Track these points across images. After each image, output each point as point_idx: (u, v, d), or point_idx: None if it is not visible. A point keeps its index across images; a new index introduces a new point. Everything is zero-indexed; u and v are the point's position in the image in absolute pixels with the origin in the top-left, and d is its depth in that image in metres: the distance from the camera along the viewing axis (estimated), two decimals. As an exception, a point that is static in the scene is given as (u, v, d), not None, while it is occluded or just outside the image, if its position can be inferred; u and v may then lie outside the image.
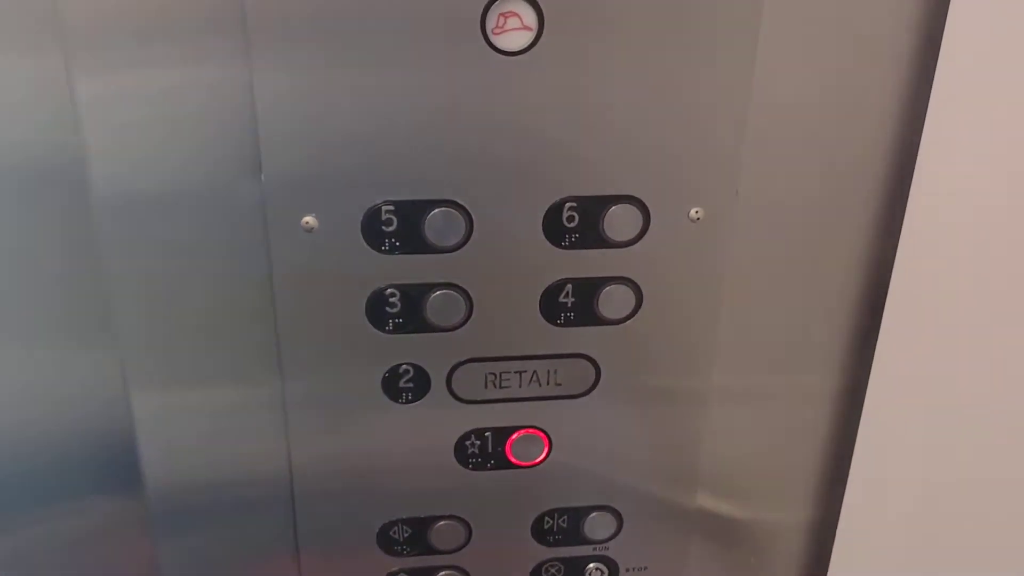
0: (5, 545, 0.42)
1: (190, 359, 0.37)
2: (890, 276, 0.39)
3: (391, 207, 0.34)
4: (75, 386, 0.39)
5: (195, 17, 0.31)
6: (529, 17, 0.32)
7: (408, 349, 0.37)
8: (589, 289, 0.37)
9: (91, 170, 0.33)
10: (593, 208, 0.35)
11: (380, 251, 0.35)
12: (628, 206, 0.35)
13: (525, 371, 0.38)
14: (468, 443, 0.40)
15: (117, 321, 0.36)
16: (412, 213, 0.35)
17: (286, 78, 0.32)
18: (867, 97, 0.36)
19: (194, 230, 0.35)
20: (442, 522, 0.41)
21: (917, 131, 0.36)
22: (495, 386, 0.39)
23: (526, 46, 0.32)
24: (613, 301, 0.37)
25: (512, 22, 0.32)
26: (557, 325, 0.37)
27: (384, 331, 0.37)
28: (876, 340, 0.41)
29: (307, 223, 0.34)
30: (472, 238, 0.35)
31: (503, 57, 0.32)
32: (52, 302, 0.37)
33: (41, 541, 0.42)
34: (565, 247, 0.36)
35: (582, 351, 0.38)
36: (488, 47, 0.32)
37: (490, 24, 0.32)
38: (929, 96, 0.36)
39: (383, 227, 0.35)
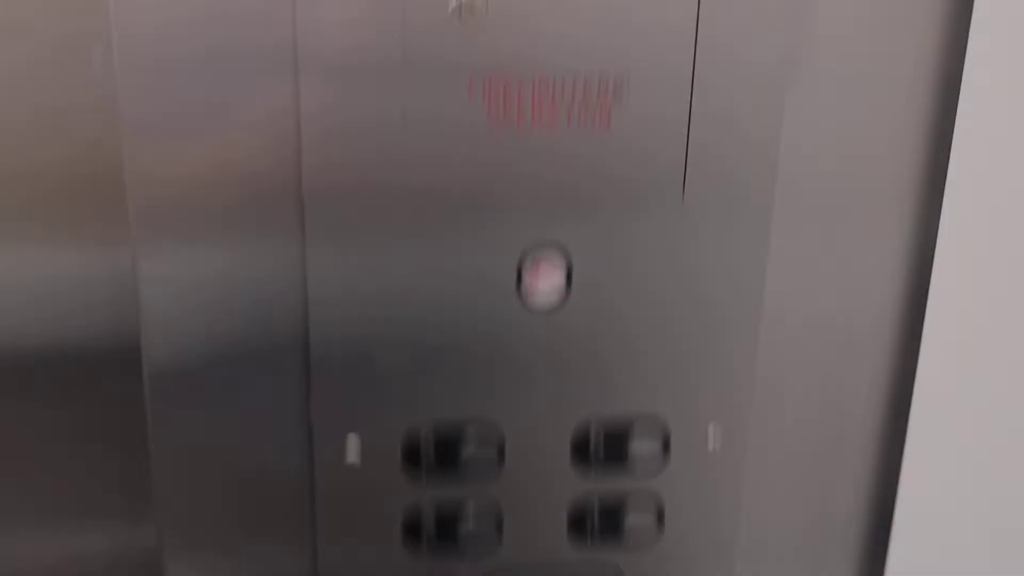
0: None
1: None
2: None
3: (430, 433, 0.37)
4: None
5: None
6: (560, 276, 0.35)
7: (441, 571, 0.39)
8: (614, 514, 0.39)
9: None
10: (618, 434, 0.38)
11: (417, 480, 0.37)
12: (651, 439, 0.38)
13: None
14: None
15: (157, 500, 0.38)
16: (447, 441, 0.37)
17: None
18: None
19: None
20: None
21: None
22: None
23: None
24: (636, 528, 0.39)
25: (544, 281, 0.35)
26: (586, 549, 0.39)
27: (417, 552, 0.38)
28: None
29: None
30: (504, 468, 0.37)
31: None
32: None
33: None
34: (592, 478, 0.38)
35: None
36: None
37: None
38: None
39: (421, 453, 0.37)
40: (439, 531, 0.38)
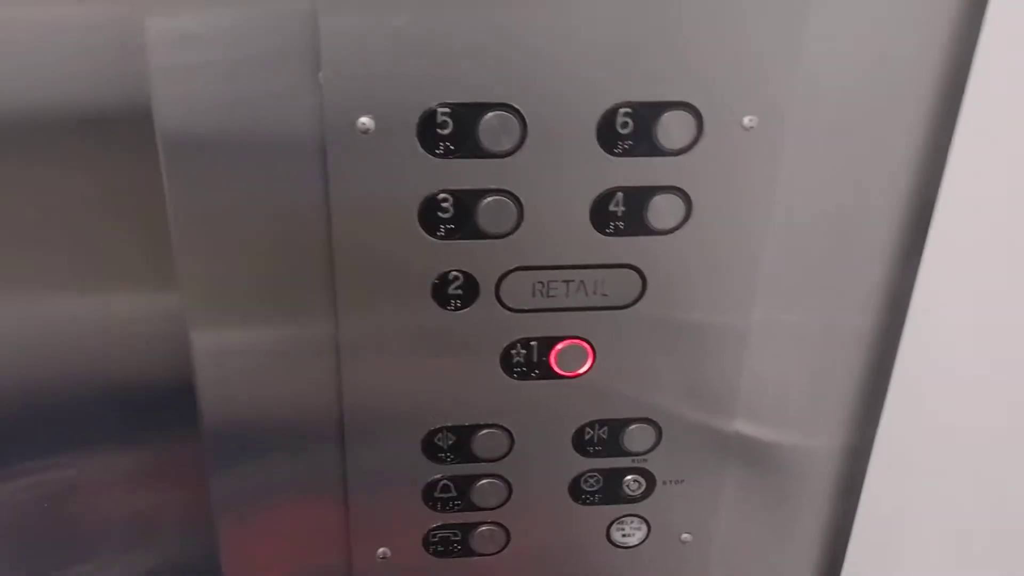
0: (63, 479, 0.43)
1: (244, 278, 0.38)
2: (935, 202, 0.39)
3: (446, 109, 0.34)
4: (137, 327, 0.40)
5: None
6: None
7: (459, 256, 0.38)
8: (639, 198, 0.37)
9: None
10: (647, 114, 0.35)
11: (434, 155, 0.35)
12: (682, 113, 0.35)
13: (572, 280, 0.39)
14: (514, 352, 0.40)
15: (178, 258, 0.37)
16: (467, 116, 0.35)
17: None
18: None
19: (251, 138, 0.35)
20: (485, 431, 0.42)
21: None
22: (542, 295, 0.39)
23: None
24: (662, 210, 0.37)
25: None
26: (606, 235, 0.38)
27: (436, 237, 0.37)
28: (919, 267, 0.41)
29: (363, 124, 0.34)
30: (526, 143, 0.35)
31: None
32: (118, 243, 0.38)
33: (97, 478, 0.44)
34: (618, 154, 0.36)
35: (629, 262, 0.39)
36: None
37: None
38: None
39: (438, 130, 0.35)
40: (457, 219, 0.37)
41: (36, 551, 0.45)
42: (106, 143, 0.36)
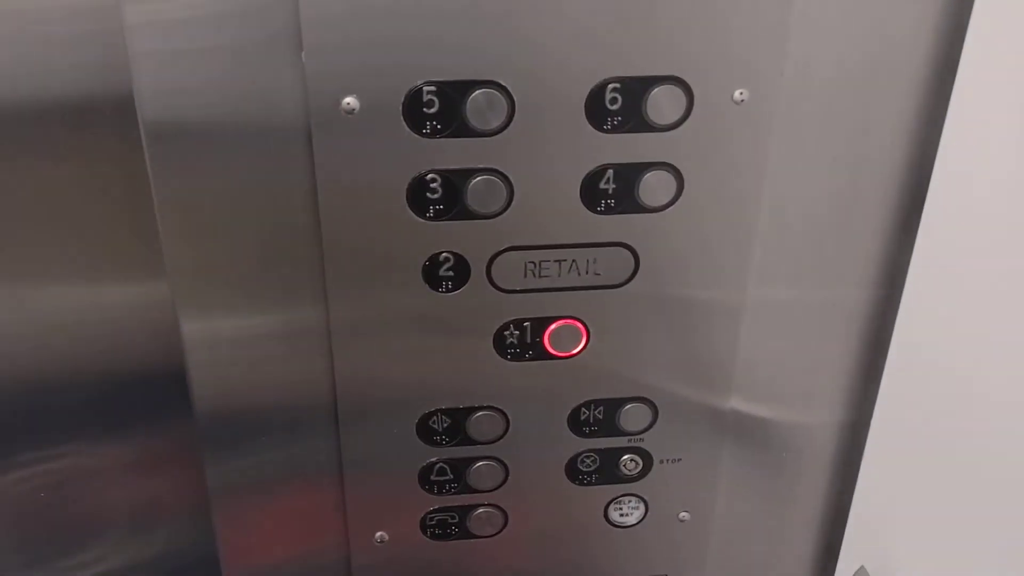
0: (59, 470, 0.43)
1: (232, 264, 0.38)
2: (930, 176, 0.39)
3: (432, 88, 0.34)
4: (126, 314, 0.39)
5: None
6: None
7: (448, 237, 0.37)
8: (630, 175, 0.37)
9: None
10: (636, 89, 0.35)
11: (421, 134, 0.35)
12: (671, 87, 0.35)
13: (564, 260, 0.38)
14: (507, 333, 0.40)
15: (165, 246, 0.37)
16: (453, 94, 0.34)
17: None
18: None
19: (235, 122, 0.35)
20: (480, 413, 0.42)
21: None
22: (534, 275, 0.39)
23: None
24: (654, 187, 0.37)
25: None
26: (597, 213, 0.37)
27: (425, 218, 0.37)
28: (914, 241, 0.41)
29: (348, 104, 0.34)
30: (514, 121, 0.35)
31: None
32: (102, 231, 0.37)
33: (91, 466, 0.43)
34: (607, 131, 0.36)
35: (622, 240, 0.38)
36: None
37: None
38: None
39: (424, 109, 0.34)
40: (446, 200, 0.36)
41: (35, 541, 0.45)
42: (90, 132, 0.35)
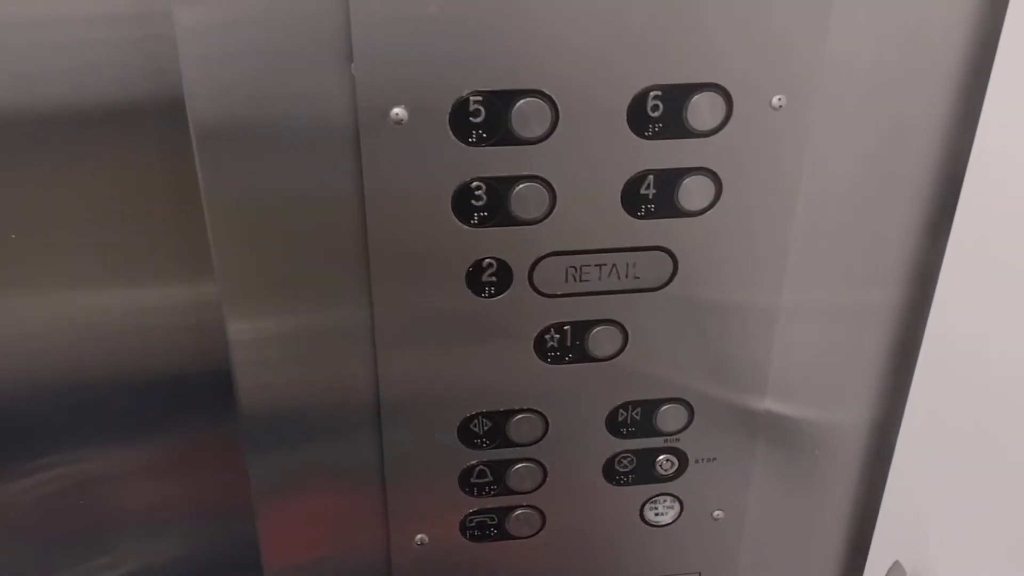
0: (102, 468, 0.44)
1: (279, 266, 0.38)
2: (963, 178, 0.39)
3: (479, 97, 0.35)
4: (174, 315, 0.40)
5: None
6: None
7: (492, 243, 0.38)
8: (670, 180, 0.37)
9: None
10: (677, 97, 0.36)
11: (467, 143, 0.36)
12: (711, 94, 0.36)
13: (604, 264, 0.39)
14: (548, 337, 0.41)
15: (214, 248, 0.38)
16: (499, 104, 0.35)
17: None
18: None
19: (284, 126, 0.35)
20: (520, 415, 0.43)
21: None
22: (575, 280, 0.39)
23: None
24: (693, 192, 0.38)
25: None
26: (637, 217, 0.38)
27: (469, 225, 0.37)
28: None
29: (396, 114, 0.35)
30: (557, 129, 0.36)
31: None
32: (151, 233, 0.38)
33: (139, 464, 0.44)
34: (648, 137, 0.36)
35: (661, 244, 0.39)
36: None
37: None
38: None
39: (471, 118, 0.35)
40: (490, 207, 0.37)
41: (79, 539, 0.46)
42: (137, 136, 0.36)
